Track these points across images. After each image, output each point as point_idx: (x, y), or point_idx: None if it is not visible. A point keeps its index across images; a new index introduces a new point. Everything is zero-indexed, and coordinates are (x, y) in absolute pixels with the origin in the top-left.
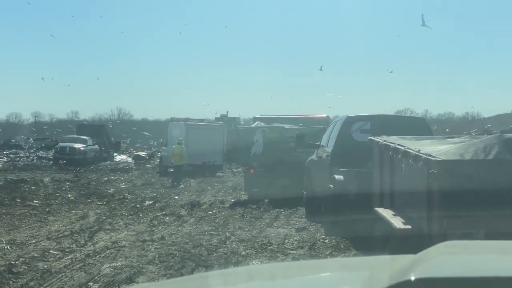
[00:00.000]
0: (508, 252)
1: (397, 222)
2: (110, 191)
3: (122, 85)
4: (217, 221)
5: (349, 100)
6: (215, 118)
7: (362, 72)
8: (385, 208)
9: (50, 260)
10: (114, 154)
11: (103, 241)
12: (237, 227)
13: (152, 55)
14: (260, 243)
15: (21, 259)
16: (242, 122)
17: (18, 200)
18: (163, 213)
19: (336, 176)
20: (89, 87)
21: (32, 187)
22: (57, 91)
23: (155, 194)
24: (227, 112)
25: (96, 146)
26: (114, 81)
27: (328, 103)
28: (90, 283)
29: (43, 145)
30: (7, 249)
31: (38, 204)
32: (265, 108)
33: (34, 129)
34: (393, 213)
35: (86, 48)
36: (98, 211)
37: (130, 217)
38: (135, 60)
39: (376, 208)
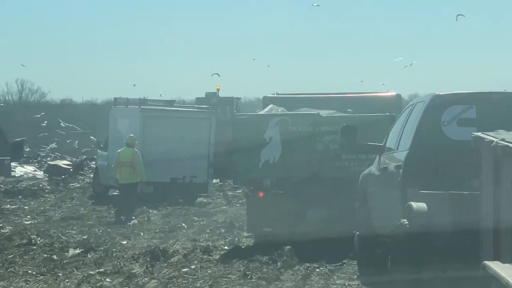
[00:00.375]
0: None
1: None
2: (5, 230)
3: (27, 45)
4: (198, 285)
5: (425, 71)
6: (196, 99)
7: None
8: (504, 261)
9: None
10: (13, 163)
11: None
12: None
13: None
14: None
15: None
16: (242, 106)
17: None
18: (100, 270)
19: (414, 204)
20: None
21: None
22: None
23: (86, 237)
24: (218, 88)
25: None
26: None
27: (391, 74)
28: None
29: None
30: None
31: None
32: (281, 83)
33: None
34: None
35: None
36: None
37: (41, 278)
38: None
39: (487, 262)
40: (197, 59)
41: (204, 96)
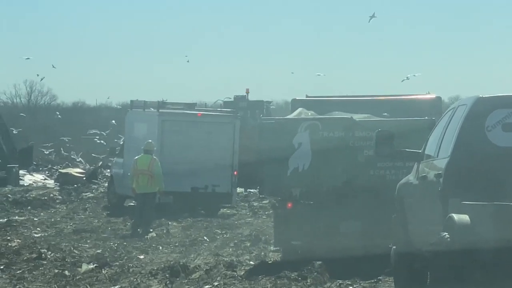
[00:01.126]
0: None
1: None
2: (13, 244)
3: (36, 45)
4: None
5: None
6: (224, 102)
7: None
8: None
9: None
10: (21, 171)
11: None
12: None
13: None
14: None
15: None
16: (271, 109)
17: None
18: (116, 287)
19: (456, 216)
20: None
21: None
22: None
23: (100, 251)
24: (247, 91)
25: None
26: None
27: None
28: None
29: None
30: None
31: None
32: (309, 85)
33: None
34: None
35: None
36: None
37: None
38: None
39: None
40: (225, 60)
41: (233, 99)
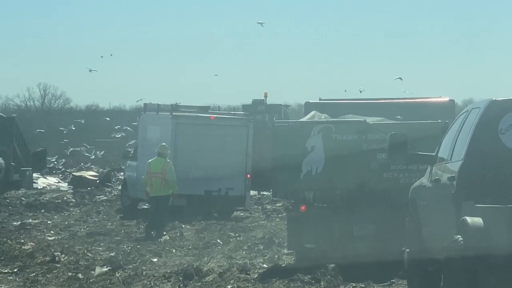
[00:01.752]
0: None
1: None
2: (27, 247)
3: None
4: None
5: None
6: (242, 106)
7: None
8: None
9: None
10: (35, 175)
11: None
12: None
13: None
14: None
15: None
16: (288, 113)
17: None
18: None
19: (469, 219)
20: None
21: None
22: None
23: (113, 254)
24: (266, 95)
25: (0, 160)
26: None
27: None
28: None
29: None
30: None
31: None
32: (323, 89)
33: None
34: None
35: None
36: (3, 287)
37: None
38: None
39: None
40: (244, 65)
41: (251, 103)
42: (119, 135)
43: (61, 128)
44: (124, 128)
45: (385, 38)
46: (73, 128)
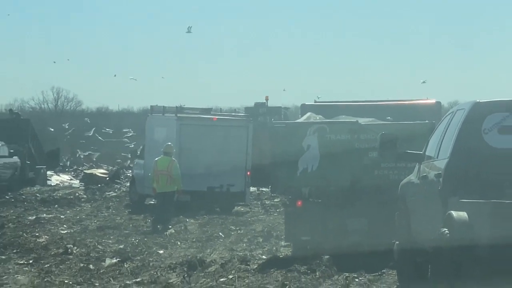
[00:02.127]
0: None
1: None
2: (41, 239)
3: (62, 53)
4: None
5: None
6: (245, 108)
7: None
8: None
9: None
10: (49, 172)
11: None
12: None
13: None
14: None
15: None
16: (288, 114)
17: None
18: (137, 280)
19: (455, 213)
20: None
21: None
22: None
23: (122, 246)
24: (267, 99)
25: (16, 159)
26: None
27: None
28: None
29: None
30: None
31: None
32: (318, 91)
33: None
34: None
35: None
36: (20, 277)
37: (78, 287)
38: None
39: None
40: (244, 69)
41: (253, 105)
42: (130, 134)
43: (64, 125)
44: (126, 130)
45: (379, 44)
46: (89, 121)
